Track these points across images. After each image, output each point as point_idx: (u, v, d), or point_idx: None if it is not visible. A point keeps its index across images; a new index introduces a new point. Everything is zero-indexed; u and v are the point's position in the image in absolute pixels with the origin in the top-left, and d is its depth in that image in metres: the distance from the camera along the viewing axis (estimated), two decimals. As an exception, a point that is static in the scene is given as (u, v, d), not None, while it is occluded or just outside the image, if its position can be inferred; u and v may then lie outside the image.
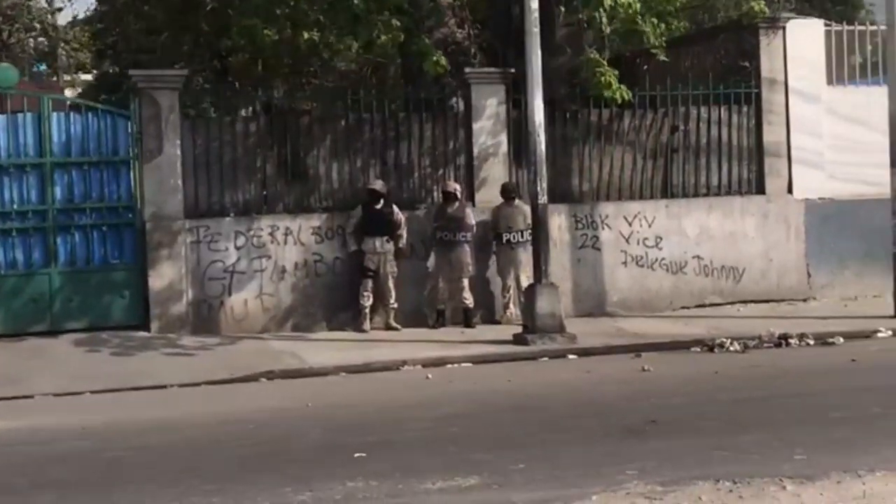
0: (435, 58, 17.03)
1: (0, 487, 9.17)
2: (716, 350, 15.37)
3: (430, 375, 14.32)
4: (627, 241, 18.76)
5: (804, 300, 19.29)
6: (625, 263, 18.75)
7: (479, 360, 15.37)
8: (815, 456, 8.90)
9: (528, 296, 16.37)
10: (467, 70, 18.28)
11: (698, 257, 19.01)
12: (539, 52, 16.26)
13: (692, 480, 8.30)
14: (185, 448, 10.51)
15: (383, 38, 18.32)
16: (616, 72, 17.21)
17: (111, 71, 33.04)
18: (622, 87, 17.18)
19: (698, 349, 15.58)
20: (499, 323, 17.79)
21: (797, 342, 15.66)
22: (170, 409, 12.80)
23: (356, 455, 9.69)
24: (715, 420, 10.68)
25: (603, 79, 16.86)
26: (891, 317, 17.39)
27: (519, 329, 16.80)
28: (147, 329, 17.03)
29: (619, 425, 10.56)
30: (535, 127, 16.27)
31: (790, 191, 19.50)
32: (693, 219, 19.03)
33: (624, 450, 9.57)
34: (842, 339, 15.81)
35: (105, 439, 11.10)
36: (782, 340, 15.68)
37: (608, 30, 17.37)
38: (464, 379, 14.02)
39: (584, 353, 15.68)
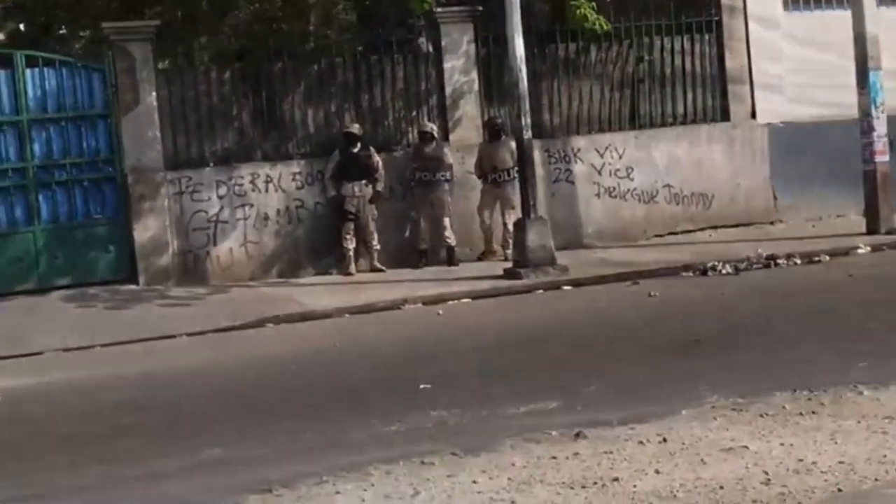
0: (419, -1, 17.05)
1: (81, 435, 9.21)
2: (709, 273, 15.74)
3: (440, 312, 14.50)
4: (599, 172, 19.02)
5: (771, 223, 19.72)
6: (598, 195, 19.02)
7: (477, 296, 15.57)
8: (876, 363, 9.21)
9: (519, 230, 16.57)
10: (436, 10, 18.29)
11: (668, 186, 19.33)
12: (517, -14, 16.35)
13: (769, 392, 8.57)
14: (241, 391, 10.63)
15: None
16: (593, 3, 17.36)
17: (22, 29, 32.31)
18: (600, 17, 17.34)
19: (690, 273, 15.92)
20: (481, 260, 17.94)
21: (785, 262, 16.03)
22: (195, 357, 12.88)
23: (421, 387, 9.86)
24: (756, 335, 11.03)
25: (579, 11, 17.00)
26: (863, 234, 17.85)
27: (504, 264, 17.04)
28: (135, 282, 16.98)
29: (661, 346, 10.87)
30: (516, 62, 16.43)
31: (753, 116, 19.89)
32: (662, 148, 19.33)
33: (682, 368, 9.86)
34: (827, 257, 16.23)
35: (153, 387, 11.21)
36: (770, 261, 16.05)
37: None
38: (474, 313, 14.25)
39: (578, 283, 15.95)
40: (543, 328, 12.75)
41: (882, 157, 17.95)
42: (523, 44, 16.87)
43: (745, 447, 7.27)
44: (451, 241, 17.80)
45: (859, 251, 16.79)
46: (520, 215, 17.15)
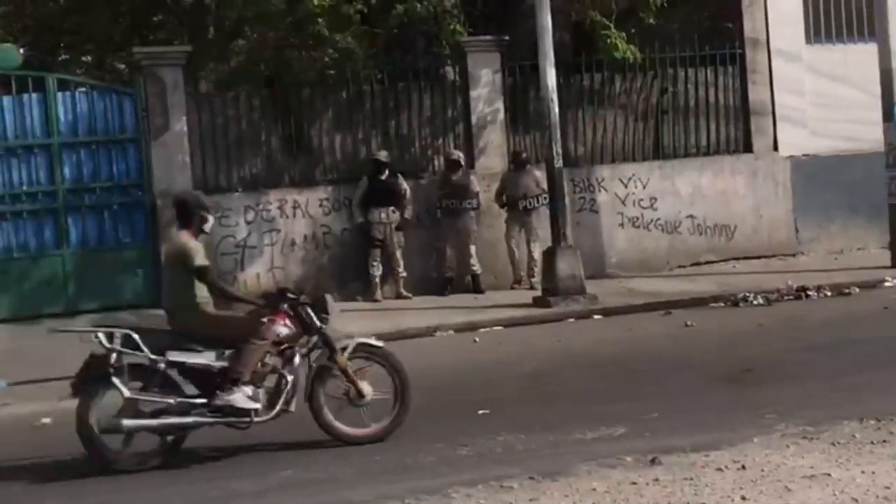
0: (452, 26, 17.13)
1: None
2: (740, 304, 15.77)
3: (476, 339, 14.51)
4: (623, 202, 19.08)
5: (793, 255, 19.77)
6: (622, 225, 19.07)
7: (509, 324, 15.58)
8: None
9: (549, 258, 16.60)
10: (463, 39, 18.37)
11: (692, 216, 19.38)
12: (549, 18, 16.48)
13: (835, 420, 8.61)
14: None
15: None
16: (623, 34, 17.47)
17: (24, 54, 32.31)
18: (630, 46, 17.46)
19: (721, 304, 15.94)
20: (508, 289, 17.95)
21: (815, 294, 16.08)
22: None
23: (480, 412, 9.87)
24: (806, 365, 11.06)
25: (610, 41, 17.10)
26: (889, 267, 17.89)
27: (530, 293, 17.09)
28: (162, 307, 16.89)
29: (714, 374, 10.91)
30: (547, 92, 16.52)
31: (776, 148, 19.97)
32: (685, 179, 19.40)
33: (740, 396, 9.92)
34: (857, 290, 16.29)
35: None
36: (801, 292, 16.10)
37: None
38: (510, 341, 14.26)
39: (608, 312, 15.97)
40: (587, 356, 12.77)
41: (907, 191, 18.02)
42: (560, 75, 17.06)
43: (828, 475, 7.30)
44: (477, 268, 17.83)
45: (887, 284, 16.84)
46: (542, 244, 17.26)
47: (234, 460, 9.01)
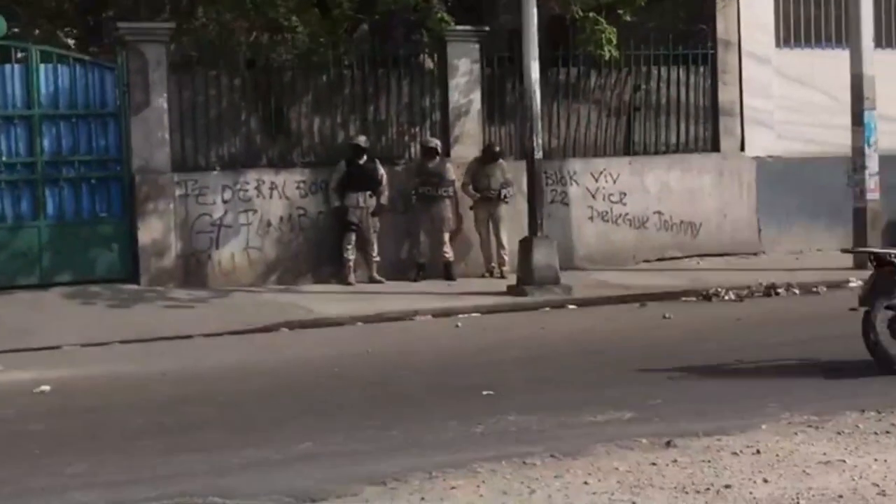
0: (440, 15, 17.30)
1: (163, 426, 9.34)
2: (712, 299, 16.09)
3: (459, 324, 14.69)
4: (594, 196, 19.35)
5: (755, 254, 20.14)
6: (591, 218, 19.34)
7: (486, 311, 15.78)
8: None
9: (525, 248, 16.82)
10: (443, 28, 18.52)
11: (659, 213, 19.70)
12: (535, 10, 16.67)
13: (835, 410, 8.89)
14: (298, 389, 10.79)
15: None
16: (614, 29, 17.71)
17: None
18: (612, 43, 17.73)
19: (693, 299, 16.25)
20: (479, 277, 18.15)
21: (784, 292, 16.43)
22: (227, 356, 13.01)
23: (484, 393, 10.08)
24: (796, 358, 11.35)
25: (603, 36, 17.34)
26: (850, 268, 18.24)
27: (502, 282, 17.34)
28: (136, 282, 17.00)
29: (706, 365, 11.16)
30: (530, 83, 16.74)
31: (742, 149, 20.34)
32: (654, 175, 19.71)
33: (738, 386, 10.20)
34: (825, 289, 16.67)
35: (203, 383, 11.33)
36: (771, 290, 16.43)
37: None
38: (493, 327, 14.47)
39: (583, 303, 16.24)
40: (574, 344, 13.00)
41: (873, 195, 18.45)
42: (519, 67, 17.31)
43: (843, 461, 7.56)
44: (450, 256, 18.03)
45: (851, 285, 17.16)
46: (508, 235, 17.65)
47: (238, 432, 9.11)
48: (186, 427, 9.33)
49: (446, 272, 18.00)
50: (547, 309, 15.91)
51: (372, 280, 17.72)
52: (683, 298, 16.41)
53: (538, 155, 16.84)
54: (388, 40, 19.37)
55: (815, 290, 16.67)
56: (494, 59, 18.87)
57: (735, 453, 7.83)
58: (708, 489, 7.08)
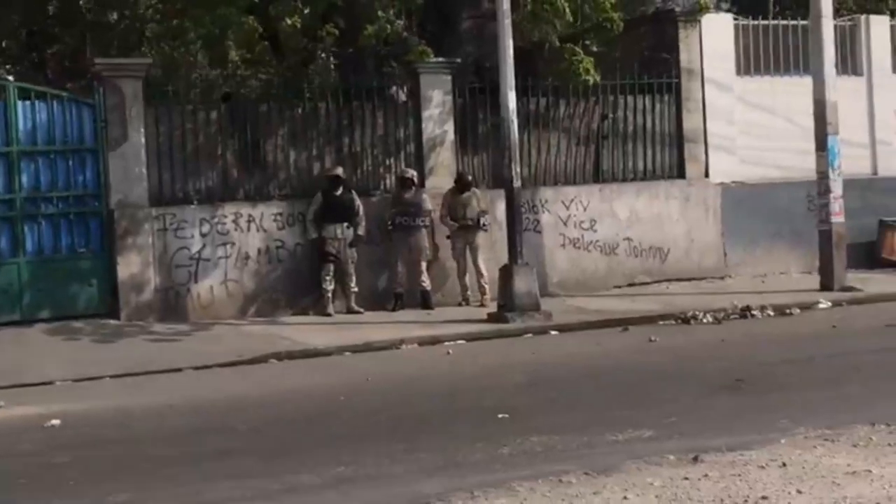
0: (420, 48, 17.56)
1: (186, 455, 9.43)
2: (691, 322, 16.38)
3: (450, 351, 14.89)
4: (565, 224, 19.67)
5: (721, 278, 20.51)
6: (563, 245, 19.64)
7: (471, 338, 15.98)
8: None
9: (505, 276, 17.06)
10: (416, 60, 18.77)
11: (629, 239, 20.04)
12: (511, 42, 17.00)
13: (845, 424, 9.18)
14: (313, 417, 10.92)
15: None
16: (591, 59, 18.05)
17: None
18: (591, 71, 18.06)
19: (672, 322, 16.53)
20: (456, 305, 18.36)
21: (759, 314, 16.77)
22: (226, 388, 13.06)
23: (500, 416, 10.27)
24: (790, 377, 11.70)
25: (581, 66, 17.67)
26: (817, 290, 18.70)
27: (480, 310, 17.57)
28: (115, 317, 17.07)
29: (708, 385, 11.45)
30: (508, 113, 17.03)
31: (707, 175, 20.71)
32: (623, 202, 20.05)
33: (747, 403, 10.48)
34: (798, 310, 17.04)
35: (215, 414, 11.40)
36: (746, 312, 16.78)
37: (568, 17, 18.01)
38: (485, 353, 14.65)
39: (564, 329, 16.49)
40: (570, 367, 13.22)
41: (837, 218, 18.85)
42: (493, 97, 17.76)
43: (869, 471, 7.82)
44: (427, 285, 18.24)
45: (820, 306, 17.64)
46: (485, 263, 17.99)
47: (267, 459, 9.23)
48: (215, 455, 9.44)
49: (424, 301, 18.20)
50: (529, 335, 16.13)
51: (350, 310, 17.87)
52: (661, 322, 16.67)
53: (517, 184, 17.12)
54: (359, 73, 19.57)
55: (788, 311, 17.02)
56: (466, 89, 19.13)
57: (762, 467, 8.06)
58: (746, 500, 7.31)
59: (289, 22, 17.23)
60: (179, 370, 14.47)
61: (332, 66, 22.05)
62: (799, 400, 10.49)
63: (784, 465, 8.08)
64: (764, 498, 7.34)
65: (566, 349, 14.72)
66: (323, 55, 25.22)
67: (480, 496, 7.68)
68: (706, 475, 7.93)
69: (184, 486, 8.40)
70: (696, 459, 8.32)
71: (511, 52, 17.00)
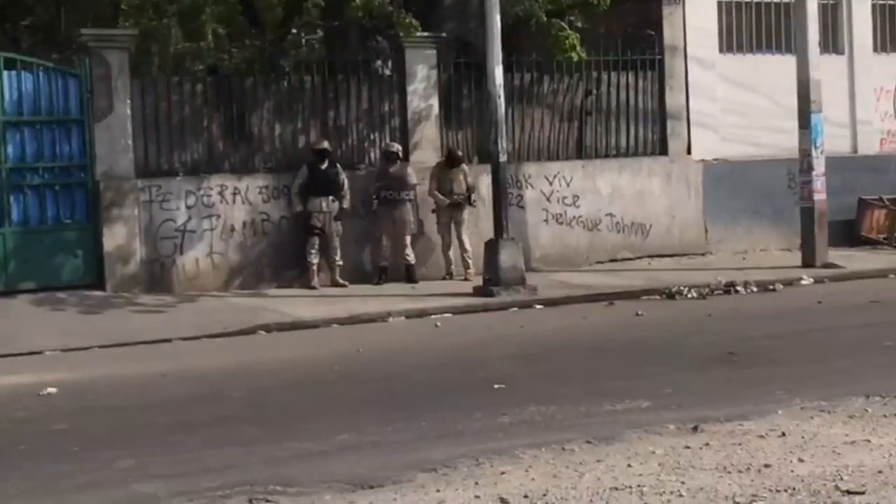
0: (408, 20, 17.58)
1: (191, 422, 9.49)
2: (676, 297, 16.50)
3: (438, 324, 14.96)
4: (548, 199, 19.74)
5: (702, 254, 20.66)
6: (546, 221, 19.73)
7: (458, 311, 16.07)
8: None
9: (491, 250, 17.13)
10: (402, 35, 18.78)
11: (611, 215, 20.14)
12: (498, 17, 17.03)
13: (840, 396, 9.32)
14: (311, 386, 10.98)
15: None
16: (578, 35, 18.11)
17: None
18: (577, 48, 18.13)
19: (656, 297, 16.65)
20: (440, 279, 18.43)
21: (743, 289, 16.91)
22: (217, 358, 13.11)
23: (496, 386, 10.36)
24: (780, 351, 11.85)
25: (567, 42, 17.74)
26: (798, 267, 18.86)
27: (464, 283, 17.67)
28: (101, 288, 17.04)
29: (699, 358, 11.56)
30: (495, 88, 17.08)
31: (689, 152, 20.83)
32: (606, 178, 20.15)
33: (741, 376, 10.64)
34: (781, 286, 17.20)
35: (206, 384, 11.50)
36: (730, 288, 16.91)
37: None
38: (473, 326, 14.74)
39: (549, 303, 16.60)
40: (559, 340, 13.35)
41: (820, 196, 19.02)
42: (478, 73, 17.86)
43: (868, 441, 7.96)
44: (411, 259, 18.29)
45: (803, 282, 17.79)
46: (468, 238, 18.15)
47: (269, 426, 9.29)
48: (213, 422, 9.51)
49: (408, 275, 18.26)
50: (515, 309, 16.22)
51: (335, 283, 17.91)
52: (646, 297, 16.78)
53: (503, 159, 17.20)
54: (343, 47, 19.58)
55: (771, 287, 17.19)
56: (451, 64, 19.17)
57: (761, 436, 8.18)
58: (748, 469, 7.42)
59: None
60: (169, 341, 14.51)
61: (308, 41, 22.08)
62: (791, 373, 10.62)
63: (784, 434, 8.21)
64: (767, 466, 7.45)
65: (553, 323, 14.83)
66: (302, 31, 25.35)
67: (485, 463, 7.78)
68: (707, 444, 8.04)
69: (187, 453, 8.46)
70: (695, 429, 8.44)
71: (498, 27, 17.05)
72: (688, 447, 7.98)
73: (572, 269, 19.24)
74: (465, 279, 18.14)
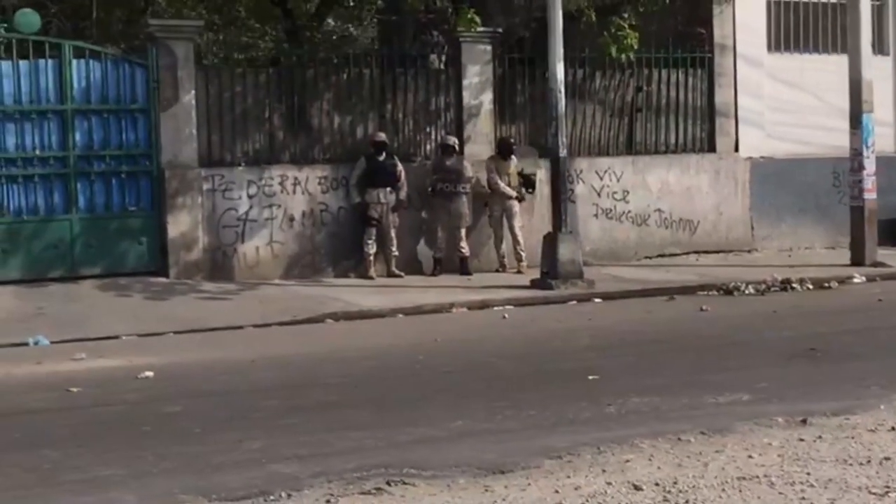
0: (469, 15, 17.82)
1: (274, 409, 9.74)
2: (734, 293, 16.73)
3: (506, 315, 15.19)
4: (599, 194, 19.99)
5: (749, 251, 20.90)
6: (596, 216, 19.98)
7: (519, 303, 16.29)
8: None
9: (550, 243, 17.37)
10: (459, 29, 19.02)
11: (659, 210, 20.39)
12: (560, 13, 17.26)
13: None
14: (404, 375, 11.21)
15: None
16: (637, 34, 18.34)
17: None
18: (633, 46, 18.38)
19: (714, 293, 16.86)
20: (493, 271, 18.67)
21: (799, 287, 17.14)
22: (294, 345, 13.33)
23: (590, 378, 10.60)
24: (860, 346, 12.06)
25: (626, 41, 17.98)
26: (847, 265, 19.08)
27: (517, 276, 17.92)
28: (164, 275, 17.28)
29: (782, 353, 11.78)
30: (556, 84, 17.31)
31: (736, 149, 21.05)
32: (655, 174, 20.38)
33: (831, 370, 10.88)
34: (836, 284, 17.43)
35: (297, 370, 11.75)
36: (786, 285, 17.13)
37: None
38: (541, 318, 14.95)
39: (607, 297, 16.80)
40: (634, 333, 13.53)
41: (870, 195, 19.22)
42: (531, 67, 18.05)
43: None
44: (466, 251, 18.52)
45: (855, 280, 18.00)
46: (520, 229, 18.46)
47: (384, 412, 9.53)
48: (321, 407, 9.73)
49: (462, 267, 18.49)
50: (574, 302, 16.44)
51: (391, 274, 18.15)
52: (702, 293, 16.95)
53: (563, 154, 17.44)
54: (400, 40, 19.81)
55: (826, 285, 17.39)
56: (505, 59, 19.41)
57: (872, 430, 8.39)
58: (868, 461, 7.62)
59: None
60: (241, 328, 14.76)
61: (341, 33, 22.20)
62: (879, 368, 10.84)
63: (893, 428, 8.42)
64: (887, 459, 7.66)
65: (619, 316, 15.05)
66: (338, 22, 25.56)
67: (607, 451, 8.01)
68: (819, 437, 8.25)
69: (309, 435, 8.69)
70: (804, 422, 8.66)
71: (560, 24, 17.28)
72: (801, 439, 8.20)
73: (622, 264, 19.49)
74: (519, 272, 18.39)
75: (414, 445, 8.36)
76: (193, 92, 17.45)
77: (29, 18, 16.76)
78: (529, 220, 18.94)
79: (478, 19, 18.08)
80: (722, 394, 9.78)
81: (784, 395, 9.72)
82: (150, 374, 11.38)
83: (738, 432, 8.45)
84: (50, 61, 16.88)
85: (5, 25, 16.82)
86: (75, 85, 17.00)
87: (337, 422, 9.14)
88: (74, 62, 17.00)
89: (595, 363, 11.40)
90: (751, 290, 16.84)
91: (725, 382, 10.24)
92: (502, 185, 18.48)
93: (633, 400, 9.62)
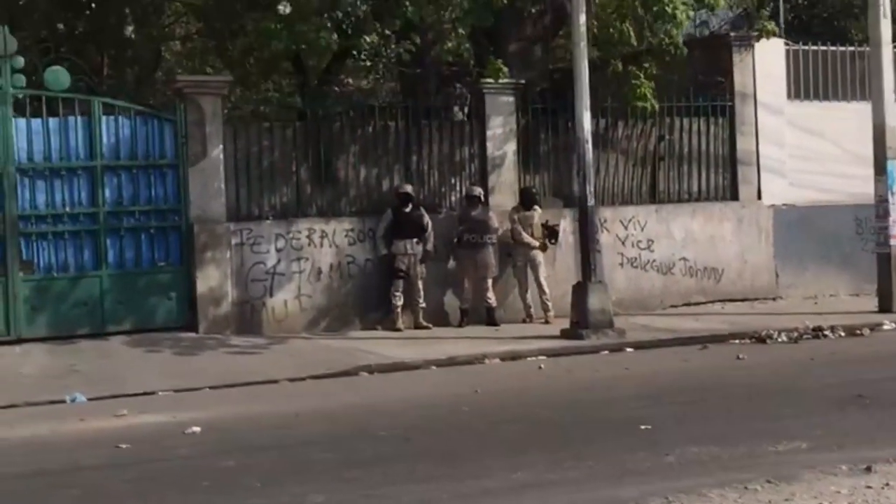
0: (497, 66, 17.91)
1: (330, 462, 9.72)
2: (767, 341, 16.70)
3: (542, 366, 15.17)
4: (623, 243, 20.01)
5: (774, 299, 20.86)
6: (621, 265, 19.98)
7: (551, 354, 16.26)
8: None
9: (579, 293, 17.36)
10: (482, 81, 19.12)
11: (684, 259, 20.39)
12: (586, 65, 17.34)
13: None
14: (455, 426, 11.19)
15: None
16: (652, 84, 18.43)
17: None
18: (649, 96, 18.46)
19: (747, 341, 16.84)
20: (520, 322, 18.65)
21: (831, 334, 17.10)
22: (334, 399, 13.32)
23: (642, 427, 10.56)
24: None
25: (639, 90, 18.07)
26: (875, 312, 19.05)
27: (545, 327, 17.93)
28: (194, 330, 17.26)
29: (829, 400, 11.74)
30: (583, 133, 17.36)
31: (759, 197, 21.08)
32: (679, 223, 20.41)
33: (882, 417, 10.77)
34: (868, 331, 17.40)
35: (343, 423, 11.69)
36: (818, 332, 17.11)
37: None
38: (577, 369, 14.89)
39: (638, 346, 16.77)
40: (673, 383, 13.49)
41: (896, 241, 19.25)
42: (553, 118, 18.24)
43: None
44: (493, 301, 18.51)
45: (885, 327, 17.97)
46: (545, 279, 18.51)
47: (441, 465, 9.49)
48: (376, 460, 9.65)
49: (489, 317, 18.48)
50: (606, 352, 16.43)
51: (418, 325, 18.14)
52: (735, 341, 16.93)
53: (591, 203, 17.46)
54: (423, 92, 19.90)
55: (858, 332, 17.35)
56: (529, 110, 19.49)
57: (938, 476, 8.38)
58: (940, 508, 7.62)
59: (367, 40, 17.51)
60: (276, 381, 14.73)
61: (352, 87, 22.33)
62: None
63: (957, 474, 8.40)
64: (955, 504, 7.65)
65: (655, 365, 15.02)
66: (349, 78, 25.65)
67: (675, 501, 7.98)
68: (887, 484, 8.23)
69: (373, 489, 8.64)
70: (868, 469, 8.63)
71: (586, 73, 17.35)
72: (869, 486, 8.17)
73: (649, 313, 19.46)
74: (546, 322, 18.38)
75: (480, 497, 8.32)
76: (221, 146, 17.51)
77: (58, 76, 16.79)
78: (553, 270, 18.95)
79: (505, 69, 18.16)
80: (780, 442, 9.73)
81: (842, 443, 9.67)
82: (197, 429, 11.34)
83: (804, 480, 8.41)
84: (79, 118, 16.94)
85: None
86: (105, 141, 17.08)
87: (397, 475, 9.10)
88: (104, 119, 17.05)
89: (643, 413, 11.36)
90: (784, 337, 16.81)
91: (780, 430, 10.20)
92: (525, 235, 18.49)
93: (692, 449, 9.57)
